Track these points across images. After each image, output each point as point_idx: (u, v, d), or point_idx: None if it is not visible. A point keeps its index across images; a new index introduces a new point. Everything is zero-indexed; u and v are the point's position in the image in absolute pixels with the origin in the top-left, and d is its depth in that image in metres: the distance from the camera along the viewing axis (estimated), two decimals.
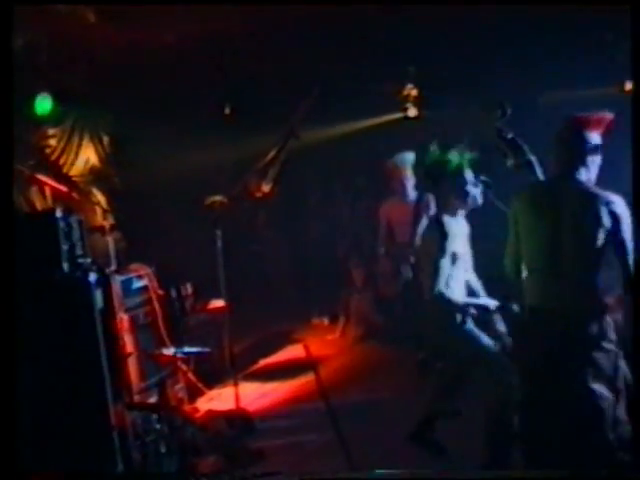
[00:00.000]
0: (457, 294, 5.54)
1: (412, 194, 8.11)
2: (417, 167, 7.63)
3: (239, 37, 8.54)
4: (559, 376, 4.54)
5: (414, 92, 10.45)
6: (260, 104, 10.01)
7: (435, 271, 5.44)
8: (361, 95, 10.08)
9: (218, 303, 7.75)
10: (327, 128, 10.67)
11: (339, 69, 9.60)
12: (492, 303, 5.58)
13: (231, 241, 6.58)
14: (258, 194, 9.27)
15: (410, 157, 7.88)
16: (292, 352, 8.99)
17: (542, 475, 4.27)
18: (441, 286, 5.43)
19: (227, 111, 10.14)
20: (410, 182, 8.12)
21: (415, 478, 4.45)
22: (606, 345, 4.50)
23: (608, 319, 4.53)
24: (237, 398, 5.57)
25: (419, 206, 7.75)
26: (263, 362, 9.19)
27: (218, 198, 6.68)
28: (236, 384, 6.02)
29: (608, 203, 4.42)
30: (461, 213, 5.69)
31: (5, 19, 4.22)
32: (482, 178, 6.01)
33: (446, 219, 5.56)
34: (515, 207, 4.82)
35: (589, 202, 4.48)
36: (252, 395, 7.65)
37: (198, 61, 8.86)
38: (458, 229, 5.62)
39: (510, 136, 5.26)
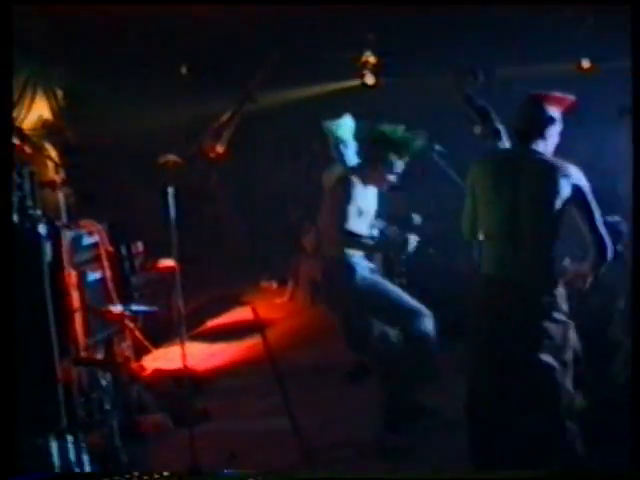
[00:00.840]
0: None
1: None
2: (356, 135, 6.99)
3: None
4: (508, 343, 4.58)
5: (372, 59, 10.36)
6: (217, 66, 9.88)
7: (341, 212, 5.53)
8: (320, 61, 10.01)
9: (168, 262, 7.69)
10: (284, 92, 10.61)
11: (298, 34, 9.51)
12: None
13: (183, 201, 6.51)
14: (212, 155, 9.26)
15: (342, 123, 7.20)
16: (240, 314, 8.89)
17: (538, 475, 4.32)
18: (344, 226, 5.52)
19: (184, 71, 9.98)
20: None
21: (414, 478, 4.58)
22: (557, 316, 4.56)
23: (561, 289, 4.59)
24: (184, 358, 5.54)
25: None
26: (211, 323, 9.27)
27: (172, 157, 6.58)
28: (183, 344, 6.00)
29: (567, 174, 4.48)
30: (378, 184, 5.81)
31: (5, 19, 4.28)
32: (437, 148, 6.05)
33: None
34: (474, 173, 4.82)
35: (548, 172, 4.53)
36: (199, 355, 7.67)
37: (156, 18, 8.70)
38: (369, 192, 5.74)
39: (480, 103, 5.27)
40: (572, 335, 4.64)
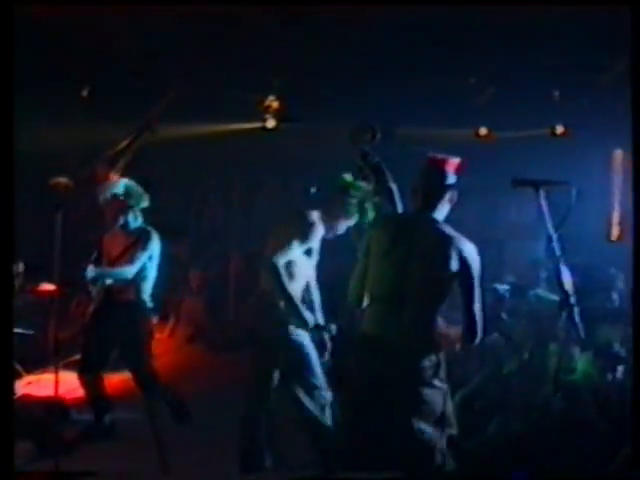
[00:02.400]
0: (296, 287, 5.60)
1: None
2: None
3: (109, 21, 8.35)
4: (385, 408, 4.57)
5: (275, 104, 10.50)
6: (120, 92, 9.82)
7: (286, 246, 5.49)
8: (225, 100, 10.06)
9: (48, 286, 7.55)
10: (185, 127, 10.60)
11: (205, 69, 9.57)
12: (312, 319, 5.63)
13: (71, 225, 6.40)
14: (105, 181, 9.13)
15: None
16: None
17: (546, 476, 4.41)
18: (282, 262, 5.46)
19: (85, 93, 9.86)
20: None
21: (415, 478, 4.57)
22: (435, 382, 4.55)
23: (441, 357, 4.58)
24: (56, 385, 5.42)
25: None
26: None
27: (63, 180, 6.48)
28: (57, 371, 5.88)
29: (459, 249, 4.49)
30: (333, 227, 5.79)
31: (5, 19, 4.30)
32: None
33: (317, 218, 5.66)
34: (369, 234, 4.84)
35: (441, 242, 4.53)
36: (72, 384, 7.47)
37: (64, 36, 8.60)
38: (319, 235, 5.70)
39: (375, 161, 5.28)
40: (449, 401, 4.65)
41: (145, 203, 6.84)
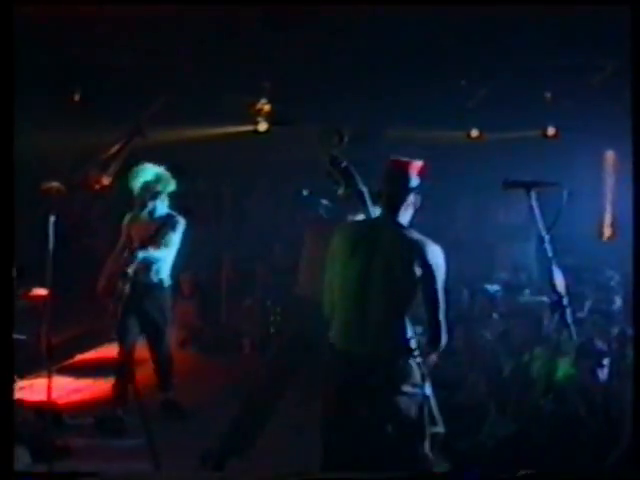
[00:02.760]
0: None
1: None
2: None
3: (100, 25, 8.35)
4: (358, 417, 4.57)
5: (267, 107, 10.54)
6: (111, 96, 9.83)
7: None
8: (217, 103, 10.08)
9: (40, 291, 7.54)
10: (175, 130, 10.61)
11: (196, 73, 9.58)
12: None
13: (63, 230, 6.41)
14: (96, 186, 9.13)
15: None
16: (110, 351, 8.77)
17: (540, 476, 4.31)
18: None
19: (77, 98, 9.86)
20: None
21: (416, 478, 4.57)
22: (407, 389, 4.51)
23: (411, 363, 4.52)
24: (49, 390, 5.42)
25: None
26: (79, 357, 9.12)
27: (55, 184, 6.47)
28: (50, 376, 5.88)
29: (423, 252, 4.44)
30: None
31: (5, 19, 4.32)
32: (323, 202, 6.09)
33: None
34: (334, 241, 4.76)
35: (404, 247, 4.49)
36: (64, 389, 7.56)
37: (56, 40, 8.60)
38: None
39: (344, 165, 5.18)
40: (427, 404, 4.59)
41: (172, 187, 7.17)
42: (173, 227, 7.09)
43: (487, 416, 6.21)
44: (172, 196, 7.25)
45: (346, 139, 5.31)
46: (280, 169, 12.03)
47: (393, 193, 4.64)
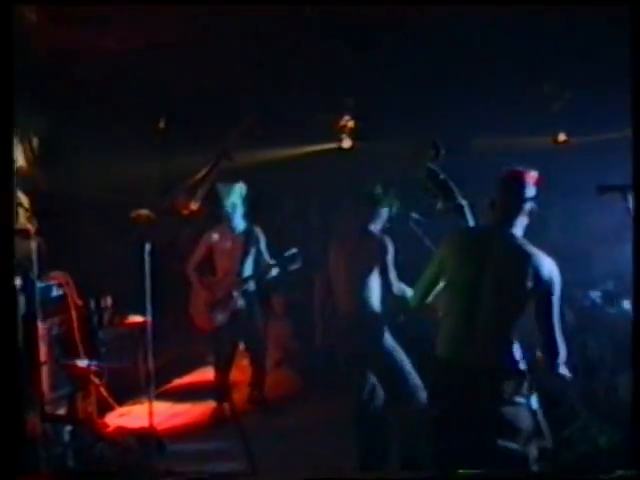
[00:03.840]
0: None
1: (240, 224, 7.97)
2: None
3: (181, 51, 8.53)
4: (468, 426, 4.54)
5: (350, 123, 10.58)
6: (195, 122, 9.99)
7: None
8: (297, 123, 10.17)
9: (136, 318, 7.70)
10: (261, 152, 10.72)
11: (279, 93, 9.68)
12: None
13: (155, 257, 6.54)
14: (185, 211, 9.26)
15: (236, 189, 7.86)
16: (206, 374, 8.94)
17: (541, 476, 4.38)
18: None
19: (162, 125, 10.07)
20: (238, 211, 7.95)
21: (423, 478, 4.69)
22: (518, 399, 4.50)
23: (519, 375, 4.51)
24: (150, 416, 5.53)
25: (248, 238, 7.89)
26: (177, 382, 9.23)
27: (144, 211, 6.63)
28: (149, 402, 5.99)
29: (538, 266, 4.42)
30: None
31: (5, 19, 4.33)
32: (413, 216, 6.09)
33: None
34: (443, 249, 4.79)
35: (517, 259, 4.47)
36: (163, 415, 7.65)
37: (137, 70, 8.81)
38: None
39: (442, 177, 5.16)
40: (536, 414, 4.57)
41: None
42: (258, 239, 7.81)
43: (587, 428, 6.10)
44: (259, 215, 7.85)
45: (442, 152, 5.29)
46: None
47: (508, 203, 4.63)
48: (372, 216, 6.24)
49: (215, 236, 7.90)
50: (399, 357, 6.05)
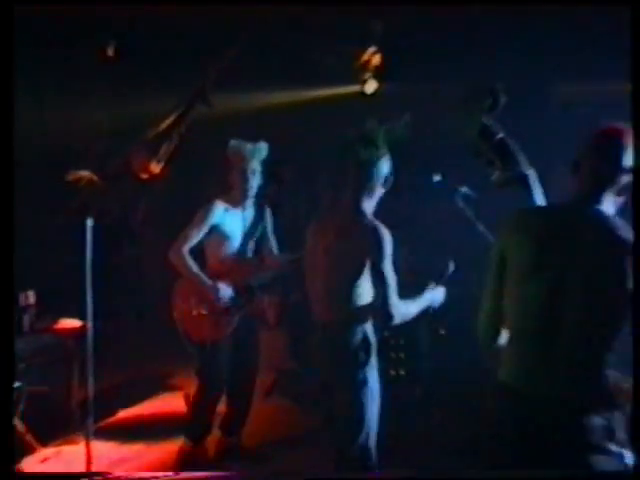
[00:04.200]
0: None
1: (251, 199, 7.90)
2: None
3: None
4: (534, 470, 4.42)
5: (376, 59, 10.42)
6: (160, 49, 9.81)
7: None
8: (305, 57, 10.07)
9: (70, 322, 7.54)
10: (251, 95, 10.60)
11: (277, 15, 9.50)
12: None
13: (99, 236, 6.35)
14: (143, 175, 9.08)
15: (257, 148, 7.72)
16: (167, 403, 9.04)
17: (541, 475, 4.32)
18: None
19: (110, 52, 9.86)
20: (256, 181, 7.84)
21: (415, 477, 4.96)
22: (611, 447, 4.34)
23: (617, 414, 4.36)
24: (89, 461, 5.40)
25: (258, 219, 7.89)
26: (125, 413, 9.12)
27: (85, 174, 6.45)
28: (86, 441, 5.85)
29: None
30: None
31: (5, 19, 4.68)
32: (463, 190, 5.89)
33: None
34: (503, 240, 4.63)
35: (615, 247, 4.28)
36: (105, 459, 7.52)
37: None
38: None
39: (499, 136, 5.04)
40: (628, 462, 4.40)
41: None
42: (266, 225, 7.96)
43: None
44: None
45: (502, 101, 5.08)
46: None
47: (602, 171, 4.43)
48: (365, 181, 5.81)
49: (220, 211, 7.61)
50: (367, 401, 5.80)
